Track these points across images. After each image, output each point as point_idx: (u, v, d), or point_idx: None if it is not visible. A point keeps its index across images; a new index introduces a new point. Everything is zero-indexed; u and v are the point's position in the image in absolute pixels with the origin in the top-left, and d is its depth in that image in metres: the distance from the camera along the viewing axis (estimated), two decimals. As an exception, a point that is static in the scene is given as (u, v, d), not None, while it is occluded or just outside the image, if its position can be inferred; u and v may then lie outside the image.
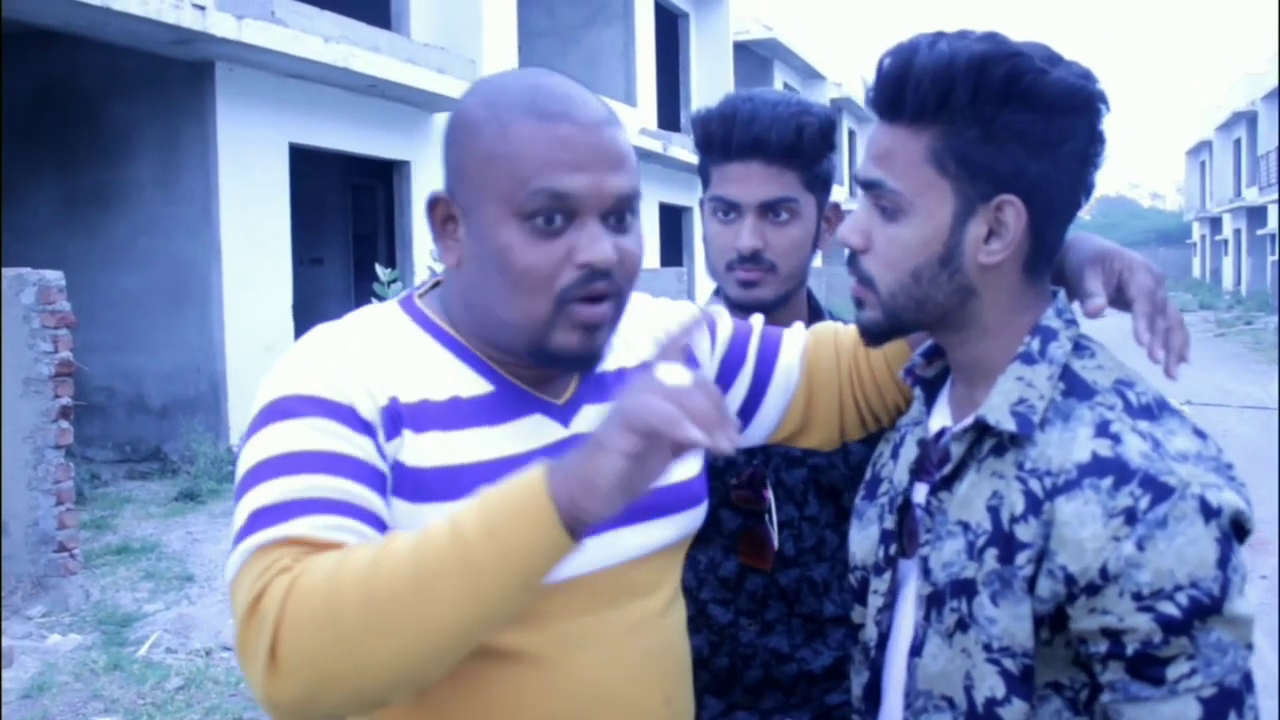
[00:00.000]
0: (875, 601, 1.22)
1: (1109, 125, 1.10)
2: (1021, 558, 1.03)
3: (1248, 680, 1.00)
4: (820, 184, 1.60)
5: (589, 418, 1.15)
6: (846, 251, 1.16)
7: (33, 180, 9.29)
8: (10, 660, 4.49)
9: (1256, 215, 38.21)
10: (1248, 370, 15.43)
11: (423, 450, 1.05)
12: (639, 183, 1.10)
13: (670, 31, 18.19)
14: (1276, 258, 32.61)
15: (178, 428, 8.76)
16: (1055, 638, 1.04)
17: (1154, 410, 1.06)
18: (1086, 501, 1.00)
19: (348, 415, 1.02)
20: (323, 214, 12.68)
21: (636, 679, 1.13)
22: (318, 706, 0.89)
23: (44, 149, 9.29)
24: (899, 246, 1.10)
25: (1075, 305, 1.17)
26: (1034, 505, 1.03)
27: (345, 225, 13.21)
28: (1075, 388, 1.08)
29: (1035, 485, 1.04)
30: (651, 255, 16.20)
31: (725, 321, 1.37)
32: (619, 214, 1.08)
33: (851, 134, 32.69)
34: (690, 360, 1.26)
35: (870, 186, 1.11)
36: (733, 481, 1.61)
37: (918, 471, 1.20)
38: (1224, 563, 0.98)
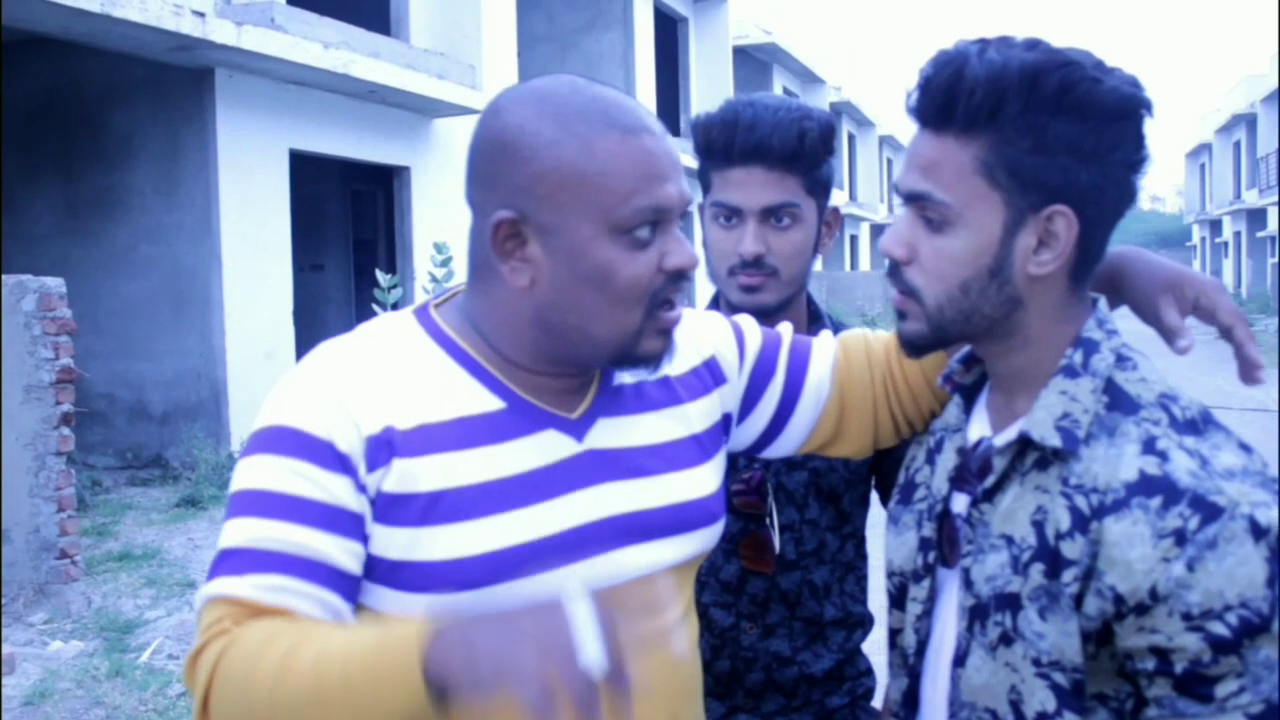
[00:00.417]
0: (914, 609, 1.21)
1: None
2: (1068, 574, 1.02)
3: None
4: (821, 188, 1.60)
5: (603, 432, 1.15)
6: (886, 262, 1.15)
7: (33, 187, 9.30)
8: (12, 667, 4.49)
9: (1256, 217, 38.21)
10: (1248, 372, 15.39)
11: (419, 475, 1.05)
12: None
13: (669, 36, 18.21)
14: (1277, 260, 32.63)
15: (179, 434, 8.76)
16: (1100, 652, 1.03)
17: (1199, 425, 1.05)
18: (1135, 522, 0.99)
19: (324, 453, 1.03)
20: (323, 220, 12.69)
21: (642, 697, 1.12)
22: None
23: (45, 156, 9.30)
24: (947, 259, 1.08)
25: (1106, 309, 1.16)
26: (1080, 523, 1.03)
27: (346, 231, 13.21)
28: (1119, 401, 1.07)
29: (1081, 502, 1.03)
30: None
31: (754, 333, 1.35)
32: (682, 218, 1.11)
33: (851, 138, 32.71)
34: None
35: (915, 198, 1.09)
36: (734, 486, 1.62)
37: (957, 480, 1.18)
38: (1273, 581, 0.97)
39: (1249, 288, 37.75)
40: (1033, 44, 1.06)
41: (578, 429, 1.14)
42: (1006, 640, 1.06)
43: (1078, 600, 1.02)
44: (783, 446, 1.36)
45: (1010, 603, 1.06)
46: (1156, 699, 1.01)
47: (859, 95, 32.51)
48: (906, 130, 1.14)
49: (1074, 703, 1.03)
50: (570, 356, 1.11)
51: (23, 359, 5.35)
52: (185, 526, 7.15)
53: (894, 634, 1.27)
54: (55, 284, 5.46)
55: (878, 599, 1.86)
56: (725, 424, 1.29)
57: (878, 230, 39.46)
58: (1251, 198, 37.53)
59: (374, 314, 5.15)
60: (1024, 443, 1.09)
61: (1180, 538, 0.97)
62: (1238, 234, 41.60)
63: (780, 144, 1.53)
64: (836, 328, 1.68)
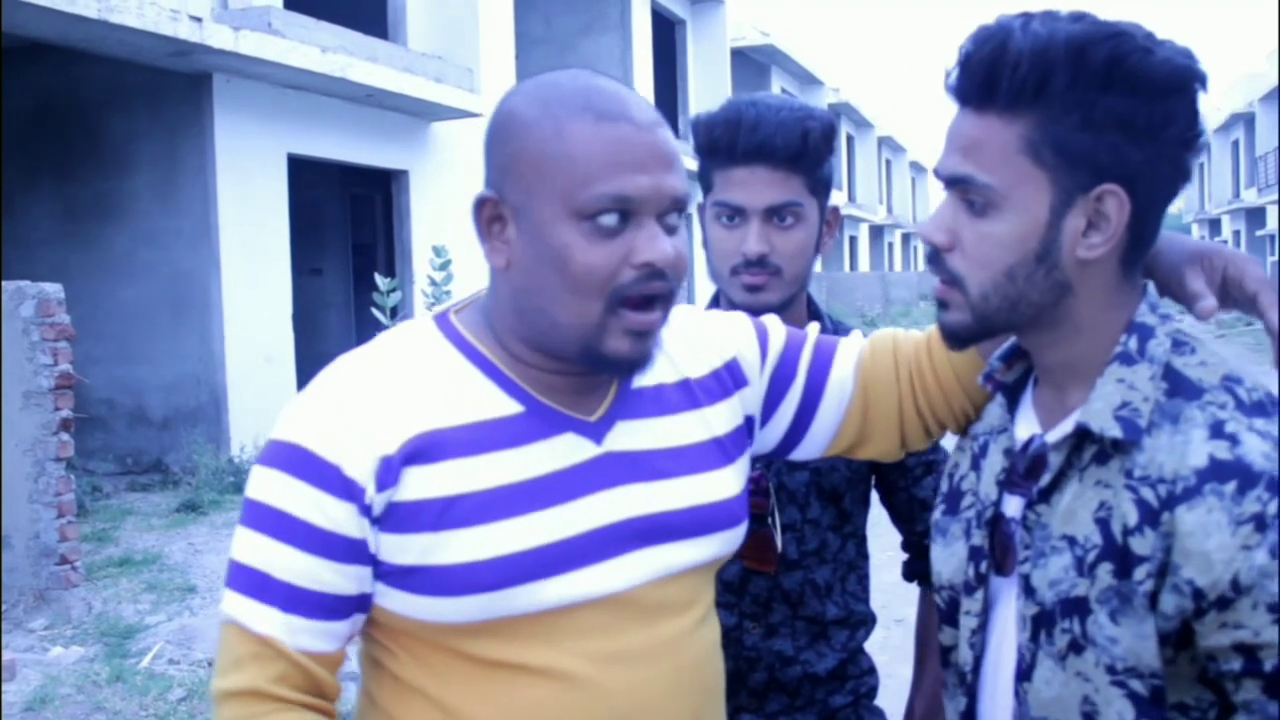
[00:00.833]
0: (968, 623, 1.14)
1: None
2: (1140, 572, 0.96)
3: None
4: (822, 188, 1.60)
5: (622, 434, 1.14)
6: (926, 249, 1.09)
7: (32, 193, 9.30)
8: (12, 673, 4.49)
9: (1255, 216, 38.27)
10: (1248, 371, 15.39)
11: (436, 481, 1.05)
12: (688, 185, 1.09)
13: (667, 38, 18.23)
14: (1276, 258, 32.65)
15: (179, 439, 8.76)
16: (1179, 655, 0.97)
17: (1267, 406, 0.99)
18: (1210, 509, 0.93)
19: (330, 478, 1.04)
20: (321, 224, 12.69)
21: (666, 697, 1.11)
22: None
23: (43, 162, 9.31)
24: (992, 243, 1.03)
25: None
26: (1149, 516, 0.96)
27: (344, 235, 13.21)
28: (1180, 387, 1.01)
29: (1148, 494, 0.97)
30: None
31: (778, 334, 1.33)
32: (671, 215, 1.07)
33: (850, 139, 32.76)
34: (736, 381, 1.26)
35: (956, 182, 1.04)
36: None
37: (1007, 483, 1.12)
38: None
39: (1248, 287, 37.70)
40: (1079, 16, 1.00)
41: (596, 431, 1.13)
42: (1076, 648, 1.00)
43: (1153, 599, 0.96)
44: (809, 449, 1.34)
45: (1078, 607, 1.00)
46: (1245, 704, 0.94)
47: (857, 96, 32.58)
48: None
49: (1154, 712, 0.96)
50: (545, 345, 1.10)
51: (22, 365, 5.34)
52: (185, 531, 7.14)
53: (946, 651, 1.20)
54: (54, 289, 5.46)
55: (879, 598, 1.87)
56: (748, 427, 1.28)
57: (877, 231, 39.54)
58: (1250, 196, 37.60)
59: (373, 318, 5.16)
60: (1080, 436, 1.03)
61: (1260, 523, 0.91)
62: (1237, 233, 41.64)
63: (784, 144, 1.53)
64: (836, 328, 1.68)
